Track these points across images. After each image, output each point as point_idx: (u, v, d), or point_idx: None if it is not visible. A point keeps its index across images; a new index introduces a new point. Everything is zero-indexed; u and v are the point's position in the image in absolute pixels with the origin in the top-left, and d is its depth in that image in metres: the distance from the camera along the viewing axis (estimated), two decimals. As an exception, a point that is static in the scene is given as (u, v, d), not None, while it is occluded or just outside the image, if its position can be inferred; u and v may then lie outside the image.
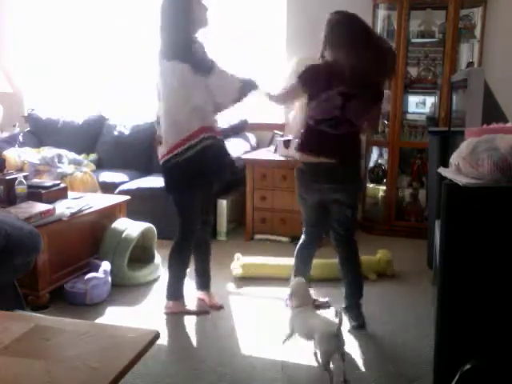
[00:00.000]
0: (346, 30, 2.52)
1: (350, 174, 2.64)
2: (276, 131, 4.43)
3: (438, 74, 4.18)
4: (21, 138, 4.82)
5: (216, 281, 3.34)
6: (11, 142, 4.73)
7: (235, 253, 3.46)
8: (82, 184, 4.03)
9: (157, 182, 3.73)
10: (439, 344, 1.83)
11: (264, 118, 4.70)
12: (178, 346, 2.55)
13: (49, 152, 4.26)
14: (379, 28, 4.26)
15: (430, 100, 4.32)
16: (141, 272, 3.31)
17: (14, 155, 4.27)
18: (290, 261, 3.25)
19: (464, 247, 1.72)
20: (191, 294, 3.13)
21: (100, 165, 4.64)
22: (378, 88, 2.64)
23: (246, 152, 4.41)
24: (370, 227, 4.38)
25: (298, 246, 2.89)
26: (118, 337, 1.48)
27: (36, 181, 3.56)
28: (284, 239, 4.08)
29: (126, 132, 4.75)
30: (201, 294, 3.06)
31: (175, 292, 2.90)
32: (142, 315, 2.88)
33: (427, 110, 4.33)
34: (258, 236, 4.18)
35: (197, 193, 2.76)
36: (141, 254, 3.45)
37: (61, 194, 3.28)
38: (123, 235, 3.26)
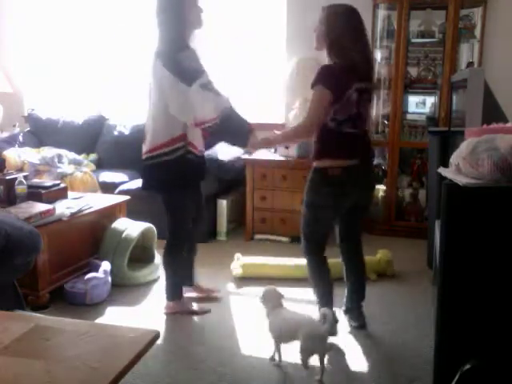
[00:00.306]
0: (350, 22, 2.43)
1: (372, 175, 2.63)
2: (276, 131, 4.41)
3: (438, 74, 4.18)
4: (21, 138, 4.82)
5: (216, 281, 3.34)
6: (11, 141, 4.73)
7: (235, 253, 3.46)
8: (82, 184, 4.03)
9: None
10: (439, 344, 1.82)
11: (264, 118, 4.70)
12: (178, 346, 2.55)
13: (49, 152, 4.26)
14: (379, 28, 4.26)
15: (430, 100, 4.32)
16: (141, 272, 3.31)
17: (14, 155, 4.27)
18: (290, 261, 3.26)
19: (464, 247, 1.72)
20: (191, 294, 3.13)
21: (100, 165, 4.64)
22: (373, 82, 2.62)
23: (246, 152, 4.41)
24: (370, 227, 4.38)
25: (314, 270, 2.65)
26: (117, 337, 1.48)
27: (36, 181, 3.56)
28: (284, 239, 4.08)
29: (126, 132, 4.75)
30: (191, 289, 3.08)
31: (174, 292, 2.90)
32: (142, 315, 2.88)
33: (427, 109, 4.33)
34: (257, 236, 4.18)
35: (187, 192, 2.77)
36: (141, 254, 3.45)
37: (61, 193, 3.28)
38: (123, 235, 3.26)
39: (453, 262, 1.75)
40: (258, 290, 3.19)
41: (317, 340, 2.16)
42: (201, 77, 2.53)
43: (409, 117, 4.32)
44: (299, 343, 2.20)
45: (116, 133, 4.80)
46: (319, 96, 2.38)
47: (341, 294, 2.80)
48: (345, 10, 2.45)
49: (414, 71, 4.26)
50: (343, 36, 2.40)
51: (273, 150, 4.25)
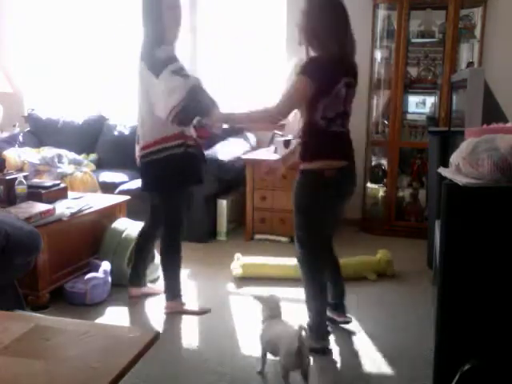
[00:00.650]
0: (334, 14, 2.31)
1: (356, 175, 2.54)
2: (276, 131, 4.43)
3: (438, 74, 4.18)
4: (21, 138, 4.82)
5: (216, 281, 3.35)
6: (11, 141, 4.73)
7: (235, 253, 3.46)
8: (82, 184, 4.03)
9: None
10: (439, 344, 1.82)
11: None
12: (178, 346, 2.55)
13: (49, 152, 4.26)
14: (379, 28, 4.27)
15: (430, 100, 4.32)
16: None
17: (14, 155, 4.27)
18: (290, 261, 3.25)
19: (464, 247, 1.72)
20: (191, 294, 3.13)
21: (100, 165, 4.64)
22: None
23: (246, 152, 4.41)
24: (370, 227, 4.39)
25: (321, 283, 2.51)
26: (117, 337, 1.48)
27: (36, 181, 3.56)
28: (284, 239, 4.08)
29: (126, 132, 4.74)
30: (147, 289, 3.13)
31: (174, 292, 2.91)
32: (142, 315, 2.88)
33: (427, 109, 4.33)
34: (257, 236, 4.18)
35: (182, 193, 2.81)
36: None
37: (61, 193, 3.27)
38: (123, 235, 3.26)
39: (453, 262, 1.75)
40: (258, 290, 3.21)
41: (295, 357, 2.03)
42: (171, 63, 2.54)
43: (409, 117, 4.32)
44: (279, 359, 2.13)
45: (116, 133, 4.79)
46: (299, 86, 2.27)
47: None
48: (329, 0, 2.35)
49: (414, 71, 4.26)
50: (328, 28, 2.28)
51: (273, 150, 4.25)
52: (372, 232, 4.33)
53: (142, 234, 3.05)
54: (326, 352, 2.44)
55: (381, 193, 4.46)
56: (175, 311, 2.88)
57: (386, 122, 4.35)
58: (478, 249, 1.71)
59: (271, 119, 2.41)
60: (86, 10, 5.06)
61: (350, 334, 2.68)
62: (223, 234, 4.21)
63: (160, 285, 3.21)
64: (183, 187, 2.81)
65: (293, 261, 3.33)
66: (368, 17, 4.25)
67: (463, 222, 1.71)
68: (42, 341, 1.42)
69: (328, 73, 2.27)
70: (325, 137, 2.35)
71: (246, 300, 3.10)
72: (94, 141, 4.86)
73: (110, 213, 3.42)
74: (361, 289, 3.22)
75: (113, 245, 3.24)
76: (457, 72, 3.80)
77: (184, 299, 2.94)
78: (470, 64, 4.09)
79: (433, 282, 3.14)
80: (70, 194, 3.41)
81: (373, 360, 2.42)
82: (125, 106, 5.06)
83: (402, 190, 4.38)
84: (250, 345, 2.56)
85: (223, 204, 4.18)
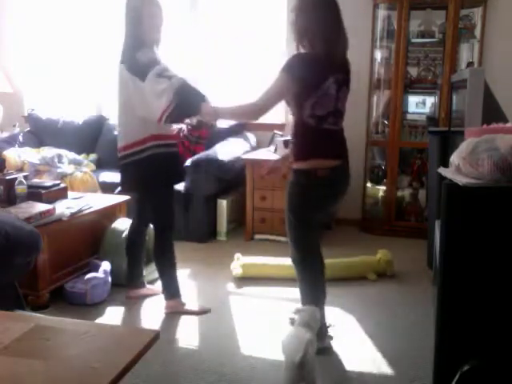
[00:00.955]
0: (325, 9, 2.26)
1: (349, 174, 2.49)
2: (276, 131, 4.43)
3: (438, 73, 4.18)
4: (21, 138, 4.82)
5: (216, 281, 3.35)
6: (11, 141, 4.73)
7: (235, 253, 3.46)
8: (82, 184, 4.03)
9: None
10: (439, 344, 1.82)
11: (264, 117, 4.70)
12: (177, 346, 2.55)
13: (49, 152, 4.26)
14: (379, 28, 4.27)
15: (430, 100, 4.32)
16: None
17: (14, 155, 4.27)
18: (290, 261, 3.25)
19: (464, 247, 1.72)
20: (191, 294, 3.13)
21: (100, 165, 4.64)
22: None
23: (246, 152, 4.41)
24: (370, 227, 4.39)
25: (313, 276, 2.49)
26: (117, 337, 1.48)
27: (36, 181, 3.56)
28: (284, 239, 4.06)
29: (126, 132, 4.74)
30: (146, 289, 3.13)
31: (171, 291, 2.91)
32: (142, 315, 2.88)
33: (427, 109, 4.33)
34: (257, 236, 4.18)
35: (168, 191, 2.82)
36: (141, 254, 3.45)
37: (61, 193, 3.28)
38: (123, 235, 3.25)
39: (453, 262, 1.75)
40: (258, 290, 3.22)
41: (297, 370, 1.95)
42: (154, 66, 2.55)
43: (409, 117, 4.32)
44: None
45: (116, 133, 4.77)
46: (279, 83, 2.26)
47: (343, 295, 2.81)
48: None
49: (413, 71, 4.26)
50: (316, 26, 2.24)
51: (273, 150, 4.25)
52: (372, 232, 4.33)
53: (130, 235, 3.06)
54: (325, 352, 2.44)
55: (381, 193, 4.46)
56: (175, 311, 2.88)
57: (385, 121, 4.35)
58: (477, 249, 1.71)
59: (252, 114, 2.44)
60: (85, 10, 5.06)
61: (350, 334, 2.67)
62: (223, 234, 4.21)
63: (159, 285, 3.21)
64: (168, 186, 2.83)
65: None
66: (368, 17, 4.25)
67: (463, 222, 1.71)
68: (42, 341, 1.42)
69: (313, 70, 2.23)
70: (316, 135, 2.31)
71: (246, 300, 3.10)
72: (94, 141, 4.86)
73: (110, 213, 3.42)
74: (361, 289, 3.22)
75: (113, 245, 3.24)
76: (457, 72, 3.80)
77: (184, 299, 2.94)
78: (469, 64, 4.09)
79: (433, 282, 3.14)
80: (70, 193, 3.41)
81: (373, 360, 2.42)
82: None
83: (401, 190, 4.38)
84: (250, 345, 2.56)
85: (223, 204, 4.18)
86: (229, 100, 4.58)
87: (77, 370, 1.29)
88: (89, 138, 4.86)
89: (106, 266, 3.09)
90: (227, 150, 4.22)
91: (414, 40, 4.19)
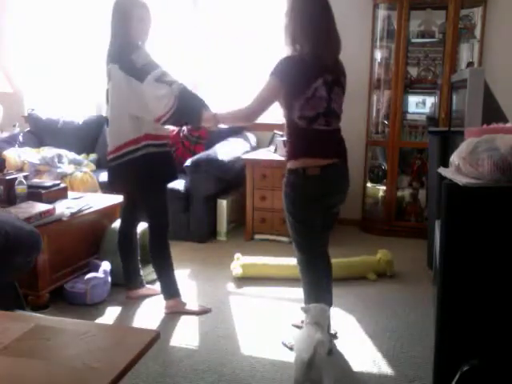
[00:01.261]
0: (316, 9, 2.26)
1: (348, 173, 2.50)
2: (276, 131, 4.43)
3: (438, 73, 4.18)
4: (21, 138, 4.82)
5: (216, 281, 3.35)
6: (11, 141, 4.73)
7: (235, 253, 3.46)
8: (82, 184, 4.03)
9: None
10: (439, 344, 1.83)
11: (264, 117, 4.70)
12: (177, 346, 2.55)
13: (49, 152, 4.26)
14: (379, 28, 4.26)
15: (430, 100, 4.32)
16: (141, 272, 3.30)
17: (14, 155, 4.27)
18: (290, 261, 3.26)
19: (464, 247, 1.72)
20: (191, 294, 3.13)
21: (100, 165, 4.64)
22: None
23: (246, 152, 4.41)
24: (370, 227, 4.39)
25: (315, 278, 2.49)
26: (118, 337, 1.48)
27: (36, 181, 3.56)
28: (284, 239, 4.08)
29: (126, 132, 4.74)
30: (145, 290, 3.13)
31: (170, 290, 2.91)
32: (142, 315, 2.88)
33: (427, 109, 4.33)
34: (257, 236, 4.18)
35: (161, 190, 2.82)
36: (141, 254, 3.44)
37: (61, 194, 3.28)
38: (123, 235, 3.26)
39: (453, 262, 1.75)
40: (258, 290, 3.22)
41: (306, 369, 1.96)
42: (153, 70, 2.56)
43: (409, 117, 4.32)
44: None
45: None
46: (269, 87, 2.29)
47: (343, 295, 2.81)
48: (308, 2, 2.29)
49: (413, 71, 4.26)
50: (304, 28, 2.25)
51: (273, 150, 4.25)
52: (372, 232, 4.33)
53: (121, 236, 3.05)
54: (327, 352, 2.44)
55: (381, 193, 4.46)
56: (175, 311, 2.88)
57: (385, 122, 4.35)
58: (478, 249, 1.71)
59: (246, 118, 2.46)
60: (85, 10, 5.05)
61: (350, 334, 2.68)
62: (223, 234, 4.21)
63: (159, 286, 3.22)
64: (163, 184, 2.83)
65: (293, 261, 3.34)
66: (368, 17, 4.25)
67: (463, 222, 1.71)
68: (42, 341, 1.42)
69: (300, 72, 2.25)
70: (306, 136, 2.33)
71: (245, 300, 3.10)
72: (94, 141, 4.86)
73: (110, 213, 3.42)
74: (361, 289, 3.22)
75: (113, 245, 3.23)
76: (457, 72, 3.80)
77: (184, 299, 2.94)
78: (469, 64, 4.09)
79: (433, 282, 3.14)
80: (70, 194, 3.41)
81: (373, 360, 2.42)
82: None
83: (401, 190, 4.38)
84: (250, 345, 2.56)
85: (223, 204, 4.18)
86: (229, 100, 4.60)
87: (77, 370, 1.29)
88: (89, 138, 4.86)
89: (105, 266, 3.09)
90: (227, 150, 4.22)
91: (413, 40, 4.19)
